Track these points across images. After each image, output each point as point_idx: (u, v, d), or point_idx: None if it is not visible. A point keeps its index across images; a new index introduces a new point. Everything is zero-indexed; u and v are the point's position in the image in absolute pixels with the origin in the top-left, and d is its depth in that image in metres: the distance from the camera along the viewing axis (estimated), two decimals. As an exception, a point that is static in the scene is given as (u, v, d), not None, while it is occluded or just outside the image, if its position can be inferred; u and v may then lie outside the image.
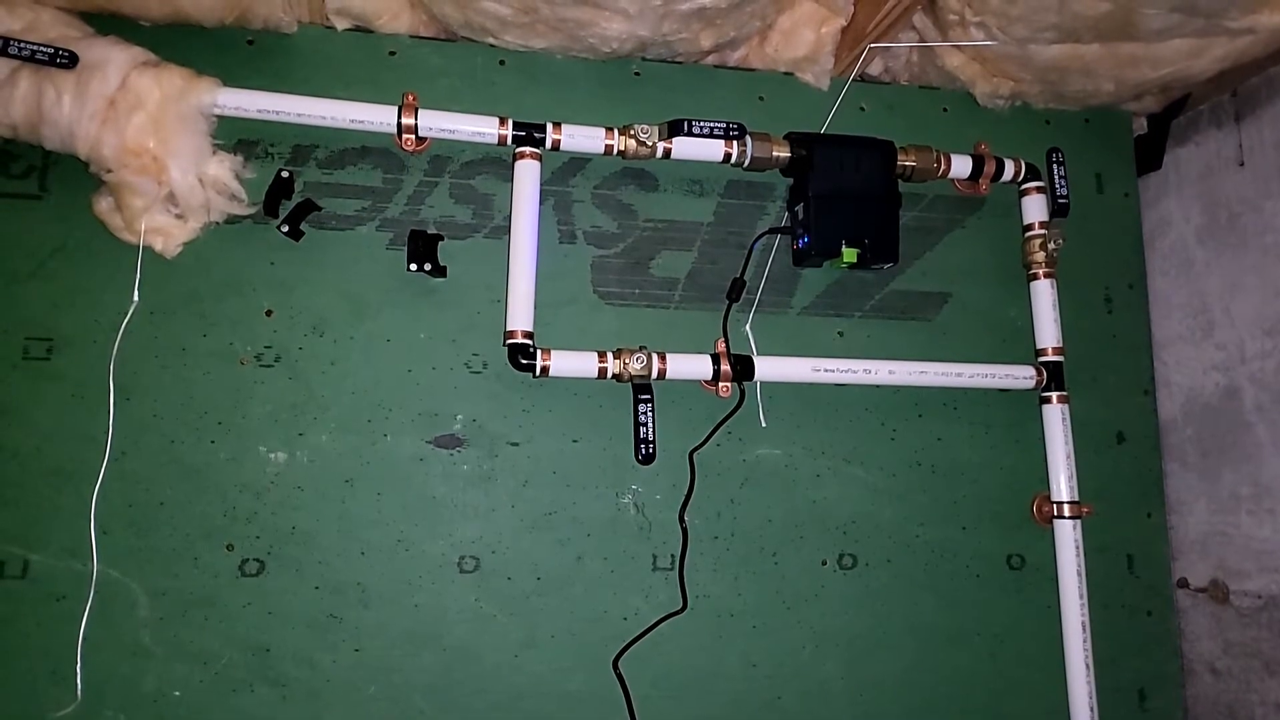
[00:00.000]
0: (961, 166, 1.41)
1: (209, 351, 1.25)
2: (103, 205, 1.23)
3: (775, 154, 1.33)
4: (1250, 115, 1.39)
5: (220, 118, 1.23)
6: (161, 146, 1.18)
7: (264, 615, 1.21)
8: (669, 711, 1.29)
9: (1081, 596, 1.36)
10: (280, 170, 1.28)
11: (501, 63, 1.37)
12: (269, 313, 1.27)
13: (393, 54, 1.35)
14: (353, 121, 1.24)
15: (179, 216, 1.25)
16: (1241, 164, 1.40)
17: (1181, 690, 1.46)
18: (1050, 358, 1.41)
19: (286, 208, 1.27)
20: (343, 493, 1.25)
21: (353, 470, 1.26)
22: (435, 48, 1.36)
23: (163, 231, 1.24)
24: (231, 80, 1.22)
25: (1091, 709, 1.34)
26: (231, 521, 1.22)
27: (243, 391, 1.25)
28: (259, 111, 1.23)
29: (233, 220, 1.27)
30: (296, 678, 1.21)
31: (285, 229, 1.26)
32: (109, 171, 1.18)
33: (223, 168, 1.25)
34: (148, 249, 1.24)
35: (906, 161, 1.37)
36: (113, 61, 1.17)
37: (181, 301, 1.25)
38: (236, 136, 1.28)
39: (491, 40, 1.34)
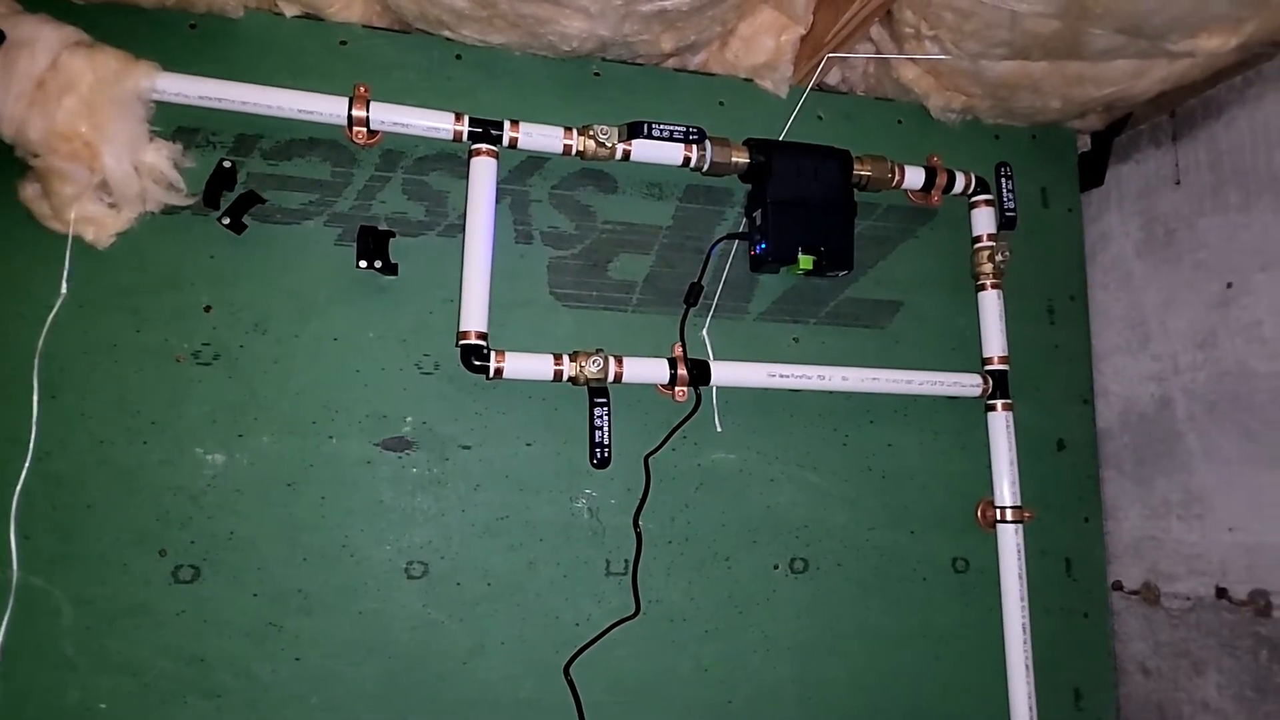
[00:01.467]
0: (915, 178, 1.43)
1: (142, 348, 1.19)
2: (29, 191, 1.16)
3: (734, 159, 1.33)
4: (1187, 136, 1.45)
5: (158, 104, 1.17)
6: (94, 132, 1.12)
7: (199, 624, 1.16)
8: (620, 717, 1.27)
9: (1022, 599, 1.40)
10: (222, 160, 1.22)
11: (458, 57, 1.34)
12: (208, 308, 1.21)
13: (344, 44, 1.30)
14: (301, 112, 1.20)
15: (112, 205, 1.19)
16: (1178, 182, 1.46)
17: (1115, 690, 1.51)
18: (996, 366, 1.45)
19: (228, 199, 1.22)
20: (285, 496, 1.21)
21: (296, 474, 1.21)
22: (389, 39, 1.32)
23: (94, 221, 1.18)
24: (171, 65, 1.17)
25: (1030, 708, 1.38)
26: (165, 526, 1.17)
27: (178, 390, 1.19)
28: (200, 98, 1.17)
29: (170, 211, 1.21)
30: (233, 688, 1.16)
31: (226, 221, 1.21)
32: (36, 156, 1.12)
33: (160, 156, 1.19)
34: (77, 239, 1.17)
35: (862, 171, 1.39)
36: (42, 40, 1.11)
37: (114, 295, 1.19)
38: (176, 124, 1.22)
39: (448, 34, 1.31)
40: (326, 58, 1.29)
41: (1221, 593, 1.34)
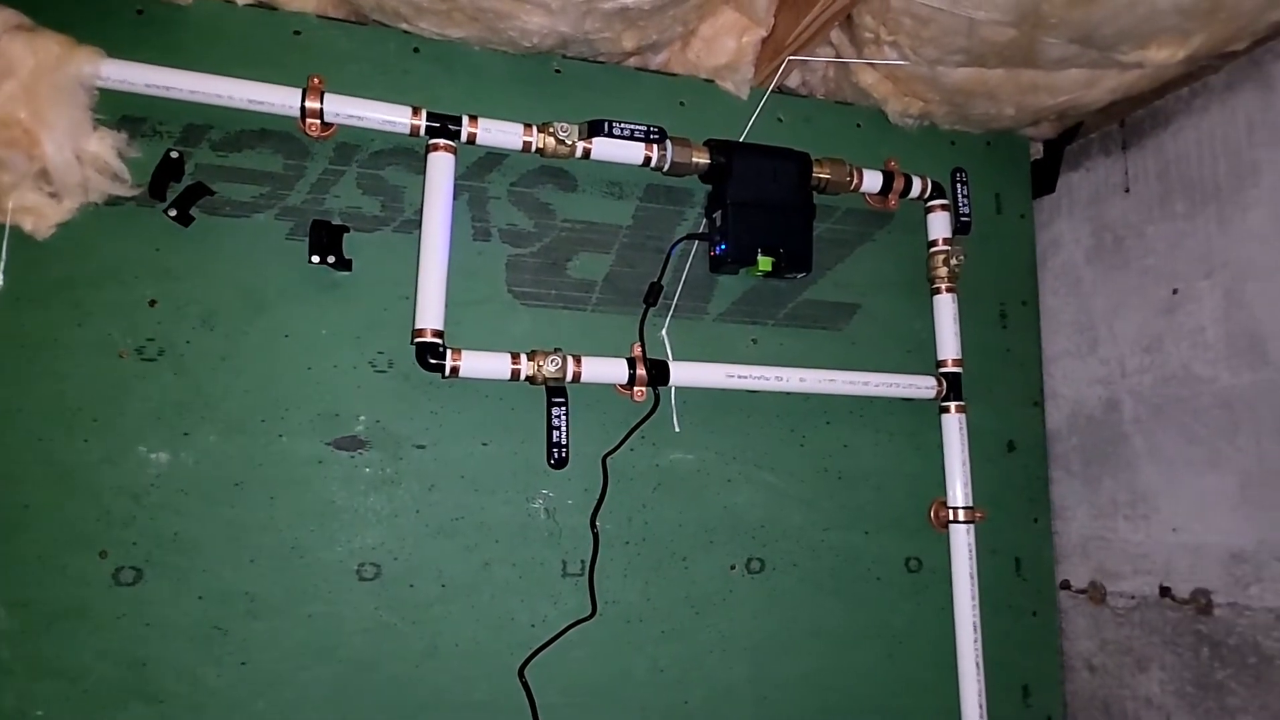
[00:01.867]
0: (873, 181, 1.44)
1: (84, 342, 1.15)
2: (-36, 179, 1.12)
3: (695, 160, 1.33)
4: (1136, 145, 1.48)
5: (103, 91, 1.13)
6: (34, 118, 1.08)
7: (140, 627, 1.13)
8: (575, 719, 1.27)
9: (973, 598, 1.42)
10: (169, 150, 1.19)
11: (416, 50, 1.32)
12: (152, 303, 1.18)
13: (298, 34, 1.27)
14: (252, 102, 1.17)
15: (52, 195, 1.14)
16: (1127, 190, 1.49)
17: (1061, 686, 1.54)
18: (950, 369, 1.47)
19: (175, 190, 1.18)
20: (232, 496, 1.18)
21: (243, 473, 1.18)
22: (345, 30, 1.29)
23: (34, 211, 1.14)
24: (117, 52, 1.13)
25: (980, 705, 1.40)
26: (106, 527, 1.13)
27: (121, 387, 1.15)
28: (147, 86, 1.14)
29: (114, 202, 1.17)
30: (176, 693, 1.13)
31: (173, 213, 1.17)
32: (-29, 143, 1.08)
33: (104, 145, 1.15)
34: (15, 229, 1.13)
35: (821, 174, 1.40)
36: (-20, 23, 1.07)
37: (54, 287, 1.15)
38: (121, 112, 1.18)
39: (405, 26, 1.29)
40: (279, 48, 1.26)
41: (1165, 591, 1.38)
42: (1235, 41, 1.26)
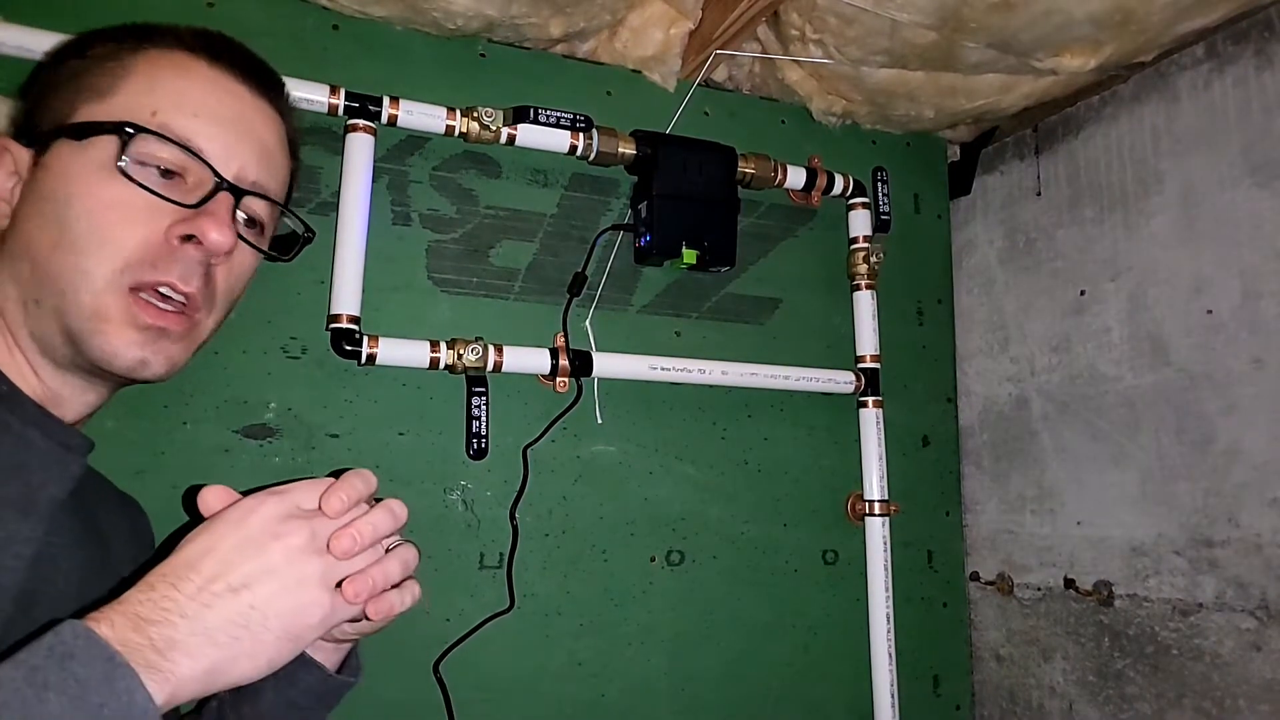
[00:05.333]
0: (796, 178, 1.46)
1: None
2: None
3: (621, 150, 1.32)
4: (1048, 150, 1.53)
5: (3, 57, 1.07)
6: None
7: (29, 624, 1.07)
8: (491, 715, 1.25)
9: (887, 590, 1.45)
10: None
11: (335, 27, 1.28)
12: (49, 281, 1.12)
13: (210, 6, 1.22)
14: (160, 74, 1.12)
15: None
16: (1039, 194, 1.54)
17: (970, 676, 1.59)
18: (869, 364, 1.49)
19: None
20: (132, 486, 1.10)
21: (144, 461, 1.13)
22: (259, 3, 1.25)
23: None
24: (14, 17, 1.07)
25: (892, 695, 1.43)
26: (-8, 517, 1.06)
27: (12, 369, 1.09)
28: (45, 55, 1.08)
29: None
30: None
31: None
32: None
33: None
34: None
35: (746, 169, 1.41)
36: None
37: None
38: (17, 80, 1.11)
39: (324, 2, 1.25)
40: (192, 20, 1.18)
41: (1069, 583, 1.43)
42: (1143, 53, 1.31)
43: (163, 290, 0.75)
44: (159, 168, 0.75)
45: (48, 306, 0.73)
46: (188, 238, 0.75)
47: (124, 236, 0.73)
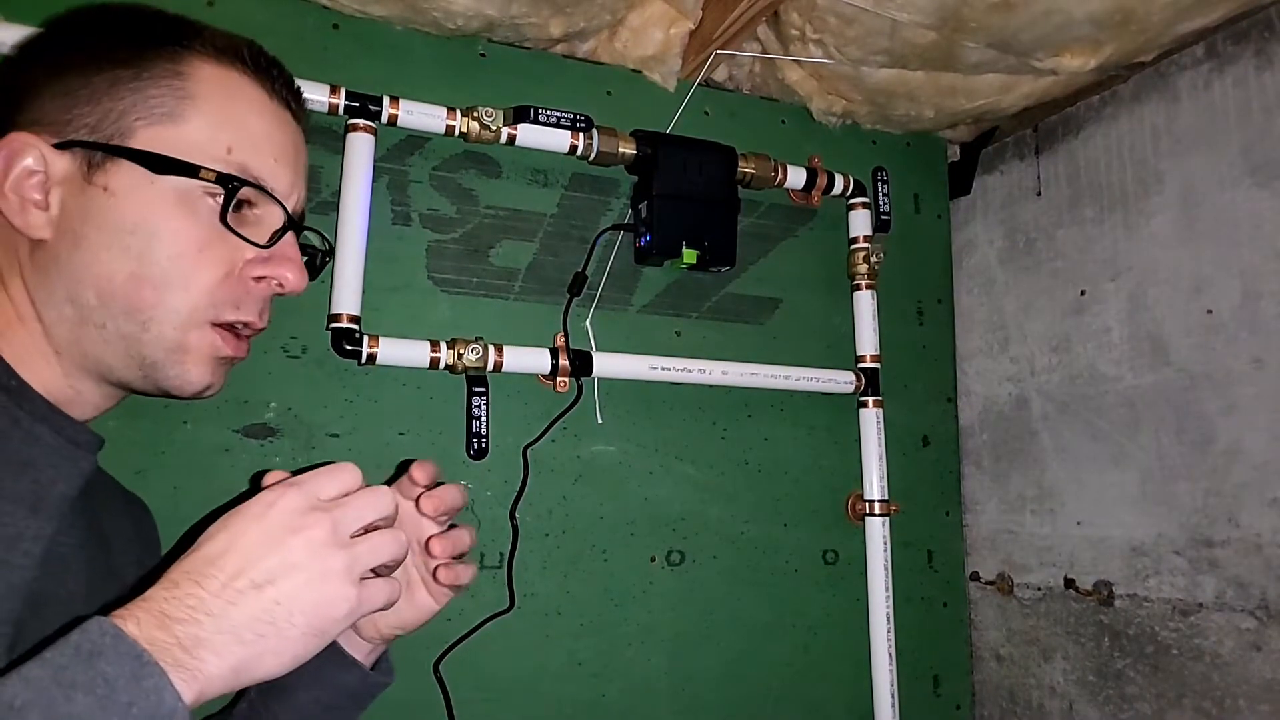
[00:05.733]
0: (796, 178, 1.46)
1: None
2: None
3: (621, 150, 1.32)
4: (1048, 150, 1.53)
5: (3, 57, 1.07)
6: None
7: (29, 624, 1.07)
8: (491, 715, 1.25)
9: (887, 590, 1.45)
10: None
11: (335, 27, 1.28)
12: (49, 281, 1.12)
13: (210, 4, 1.22)
14: (161, 73, 1.12)
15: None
16: (1039, 194, 1.54)
17: (970, 676, 1.59)
18: (869, 364, 1.49)
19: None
20: (133, 485, 1.11)
21: (145, 460, 1.13)
22: (259, 2, 1.24)
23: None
24: (13, 16, 1.07)
25: (892, 695, 1.43)
26: None
27: (12, 369, 1.09)
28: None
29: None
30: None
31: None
32: None
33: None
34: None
35: (746, 168, 1.41)
36: None
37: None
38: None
39: (325, 1, 1.25)
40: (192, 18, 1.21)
41: (1069, 583, 1.43)
42: (1143, 53, 1.31)
43: (238, 326, 0.79)
44: (237, 201, 0.77)
45: (117, 333, 0.74)
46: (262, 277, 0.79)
47: (207, 276, 0.75)
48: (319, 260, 0.96)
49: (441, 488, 0.86)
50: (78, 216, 0.73)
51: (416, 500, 0.86)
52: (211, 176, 0.74)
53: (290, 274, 0.80)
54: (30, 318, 0.75)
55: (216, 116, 0.76)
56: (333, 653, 0.86)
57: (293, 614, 0.59)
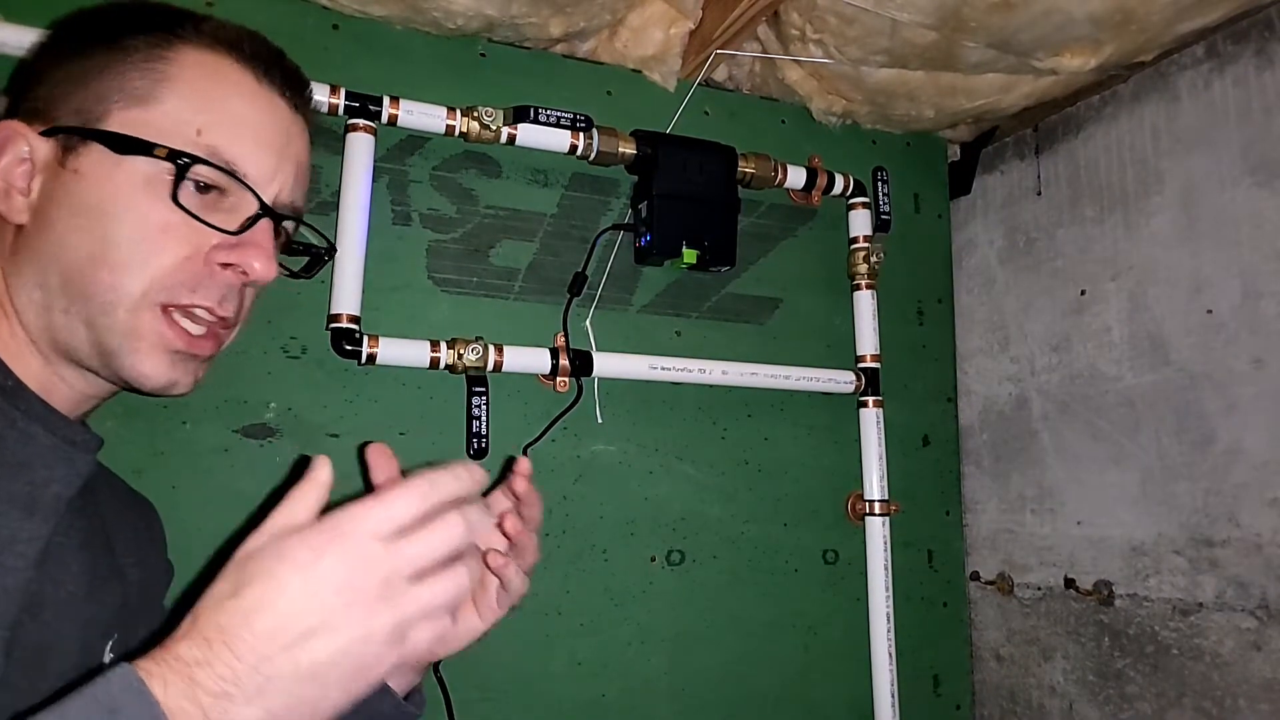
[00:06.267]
0: (796, 177, 1.46)
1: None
2: None
3: (621, 150, 1.32)
4: (1048, 150, 1.53)
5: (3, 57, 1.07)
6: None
7: (29, 624, 1.06)
8: (491, 715, 1.25)
9: (887, 589, 1.45)
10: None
11: (335, 27, 1.28)
12: (48, 281, 1.12)
13: (210, 5, 1.22)
14: (160, 73, 1.12)
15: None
16: (1039, 194, 1.54)
17: (970, 676, 1.59)
18: (869, 364, 1.49)
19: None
20: (132, 485, 1.12)
21: (143, 460, 1.12)
22: (259, 2, 1.24)
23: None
24: (13, 16, 1.07)
25: (892, 695, 1.43)
26: (-8, 517, 1.06)
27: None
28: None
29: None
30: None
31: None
32: None
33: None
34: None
35: (746, 168, 1.41)
36: None
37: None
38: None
39: (324, 1, 1.25)
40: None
41: (1070, 583, 1.43)
42: (1143, 53, 1.31)
43: (195, 311, 0.74)
44: (198, 182, 0.73)
45: (78, 318, 0.71)
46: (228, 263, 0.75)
47: (166, 258, 0.72)
48: (324, 258, 0.94)
49: (532, 504, 0.87)
50: (49, 200, 0.71)
51: (500, 516, 0.86)
52: (163, 154, 0.70)
53: (257, 262, 0.75)
54: (8, 306, 0.73)
55: (193, 99, 0.73)
56: None
57: (328, 682, 0.56)
